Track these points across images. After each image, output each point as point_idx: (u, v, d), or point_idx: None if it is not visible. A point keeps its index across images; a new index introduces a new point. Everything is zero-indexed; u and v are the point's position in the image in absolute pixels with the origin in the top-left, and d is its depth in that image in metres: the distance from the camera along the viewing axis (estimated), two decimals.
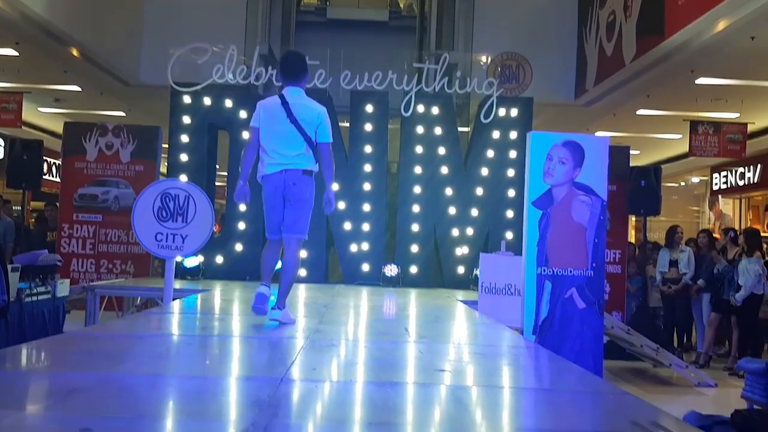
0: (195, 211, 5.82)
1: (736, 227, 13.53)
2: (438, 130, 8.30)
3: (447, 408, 2.35)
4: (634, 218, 11.67)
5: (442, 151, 8.27)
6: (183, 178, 7.76)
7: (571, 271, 4.33)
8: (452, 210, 8.17)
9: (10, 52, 8.88)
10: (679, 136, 12.14)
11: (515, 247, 6.52)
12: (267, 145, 4.23)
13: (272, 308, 4.08)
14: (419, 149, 8.29)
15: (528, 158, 4.45)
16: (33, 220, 9.39)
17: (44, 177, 13.66)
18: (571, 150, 4.39)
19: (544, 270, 4.33)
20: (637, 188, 8.37)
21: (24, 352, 3.05)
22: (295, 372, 2.73)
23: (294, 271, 4.22)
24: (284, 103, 4.22)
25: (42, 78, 10.28)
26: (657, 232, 14.05)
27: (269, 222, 4.25)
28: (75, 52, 8.90)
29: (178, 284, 6.70)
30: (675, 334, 8.88)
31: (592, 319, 4.33)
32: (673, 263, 8.43)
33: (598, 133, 12.77)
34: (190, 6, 9.99)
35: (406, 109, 8.23)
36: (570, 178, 4.36)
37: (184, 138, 8.03)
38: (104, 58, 9.44)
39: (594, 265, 4.33)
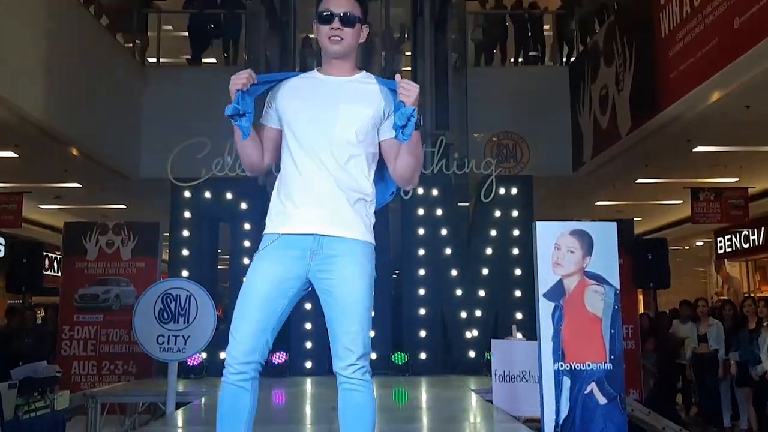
0: (197, 310, 5.72)
1: (745, 290, 13.40)
2: (439, 212, 8.27)
3: None
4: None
5: (444, 232, 8.22)
6: (184, 273, 7.70)
7: (589, 365, 4.17)
8: (458, 291, 8.05)
9: (9, 154, 8.93)
10: (680, 201, 12.12)
11: (525, 328, 6.37)
12: None
13: None
14: (421, 231, 8.24)
15: (535, 249, 4.36)
16: None
17: (45, 272, 13.66)
18: (579, 238, 4.31)
19: (561, 365, 4.17)
20: (644, 261, 8.27)
21: None
22: None
23: None
24: None
25: (42, 177, 10.32)
26: (664, 296, 13.85)
27: None
28: (74, 151, 8.95)
29: (181, 386, 6.52)
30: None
31: (614, 415, 4.15)
32: (702, 338, 8.24)
33: (599, 203, 12.78)
34: (189, 100, 10.10)
35: (406, 192, 8.22)
36: (580, 267, 4.27)
37: (185, 233, 7.99)
38: (104, 155, 9.50)
39: (612, 357, 4.18)
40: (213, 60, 12.09)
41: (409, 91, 2.28)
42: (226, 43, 11.58)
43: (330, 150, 2.41)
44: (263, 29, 10.65)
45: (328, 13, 2.45)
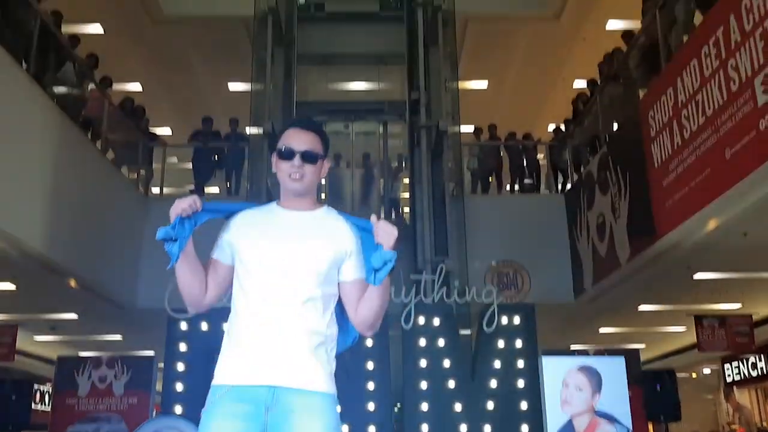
0: None
1: (756, 419, 12.94)
2: (441, 342, 8.09)
3: None
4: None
5: (447, 363, 8.00)
6: (177, 409, 7.42)
7: None
8: (463, 427, 7.73)
9: (7, 286, 8.88)
10: (684, 328, 11.97)
11: None
12: None
13: None
14: (423, 363, 8.02)
15: (542, 385, 4.22)
16: None
17: (35, 406, 13.22)
18: (588, 375, 4.18)
19: None
20: (652, 392, 8.03)
21: None
22: None
23: None
24: None
25: (38, 308, 10.22)
26: (674, 425, 13.36)
27: None
28: (73, 283, 8.91)
29: None
30: None
31: None
32: None
33: (602, 330, 12.59)
34: None
35: (407, 322, 8.08)
36: (590, 405, 4.11)
37: (180, 367, 7.77)
38: (102, 285, 9.45)
39: None
40: (216, 189, 12.32)
41: (388, 234, 2.12)
42: (229, 173, 11.85)
43: (286, 289, 2.19)
44: (265, 160, 10.92)
45: (289, 149, 2.30)
